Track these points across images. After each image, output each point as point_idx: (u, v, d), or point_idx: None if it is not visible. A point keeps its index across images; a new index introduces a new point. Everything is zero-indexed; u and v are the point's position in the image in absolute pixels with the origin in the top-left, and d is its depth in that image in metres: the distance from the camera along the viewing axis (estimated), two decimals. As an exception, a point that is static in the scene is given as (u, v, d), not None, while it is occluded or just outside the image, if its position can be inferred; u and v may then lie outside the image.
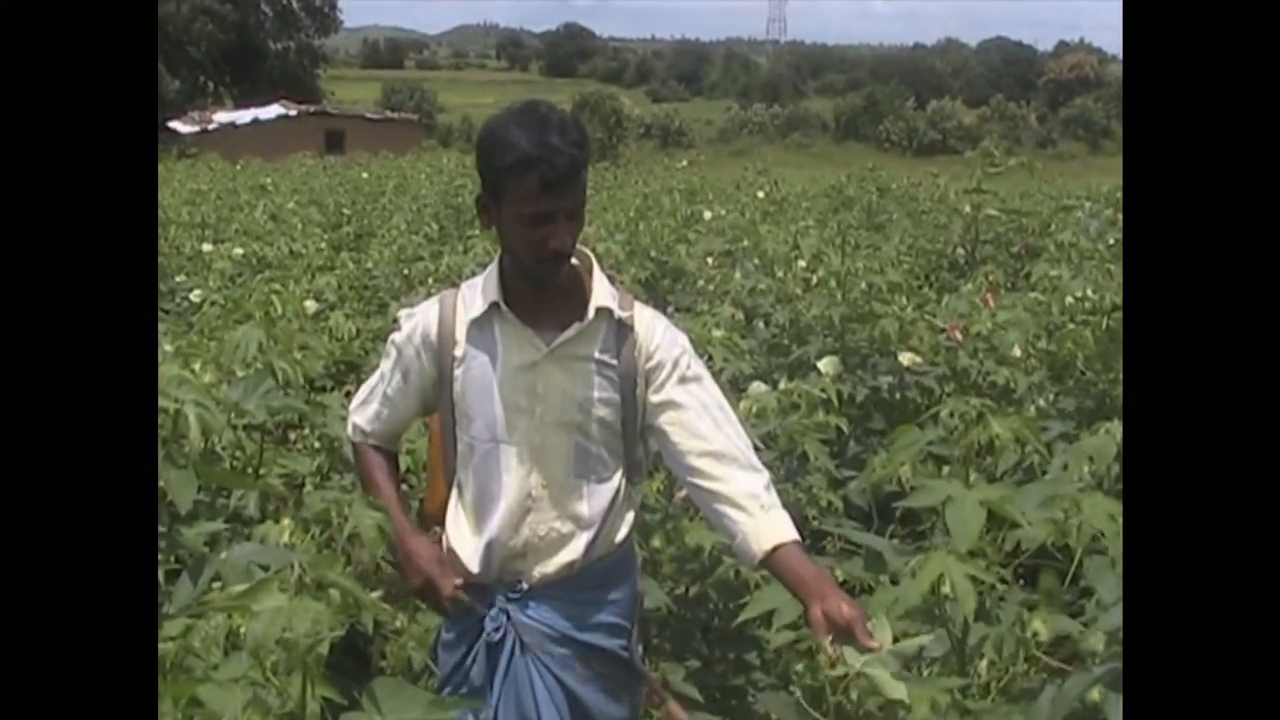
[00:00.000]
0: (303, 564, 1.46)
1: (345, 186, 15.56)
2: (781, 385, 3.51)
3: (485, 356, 2.29)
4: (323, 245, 8.61)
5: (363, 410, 2.46)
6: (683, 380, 2.29)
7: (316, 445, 3.52)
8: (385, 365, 2.42)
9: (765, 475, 2.26)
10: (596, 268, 2.34)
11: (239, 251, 7.63)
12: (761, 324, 5.43)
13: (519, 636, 2.32)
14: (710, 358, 4.07)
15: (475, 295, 2.31)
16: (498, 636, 2.31)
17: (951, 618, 2.03)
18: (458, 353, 2.30)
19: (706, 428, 2.26)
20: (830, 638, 1.91)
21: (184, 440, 2.04)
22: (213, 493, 2.78)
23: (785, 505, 2.22)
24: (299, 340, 3.44)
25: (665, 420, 2.29)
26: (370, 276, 7.28)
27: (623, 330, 2.31)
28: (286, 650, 1.39)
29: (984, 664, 2.02)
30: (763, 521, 2.18)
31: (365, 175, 17.93)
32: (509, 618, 2.33)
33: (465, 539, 2.36)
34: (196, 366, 2.79)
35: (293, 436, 3.96)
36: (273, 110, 42.36)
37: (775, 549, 2.15)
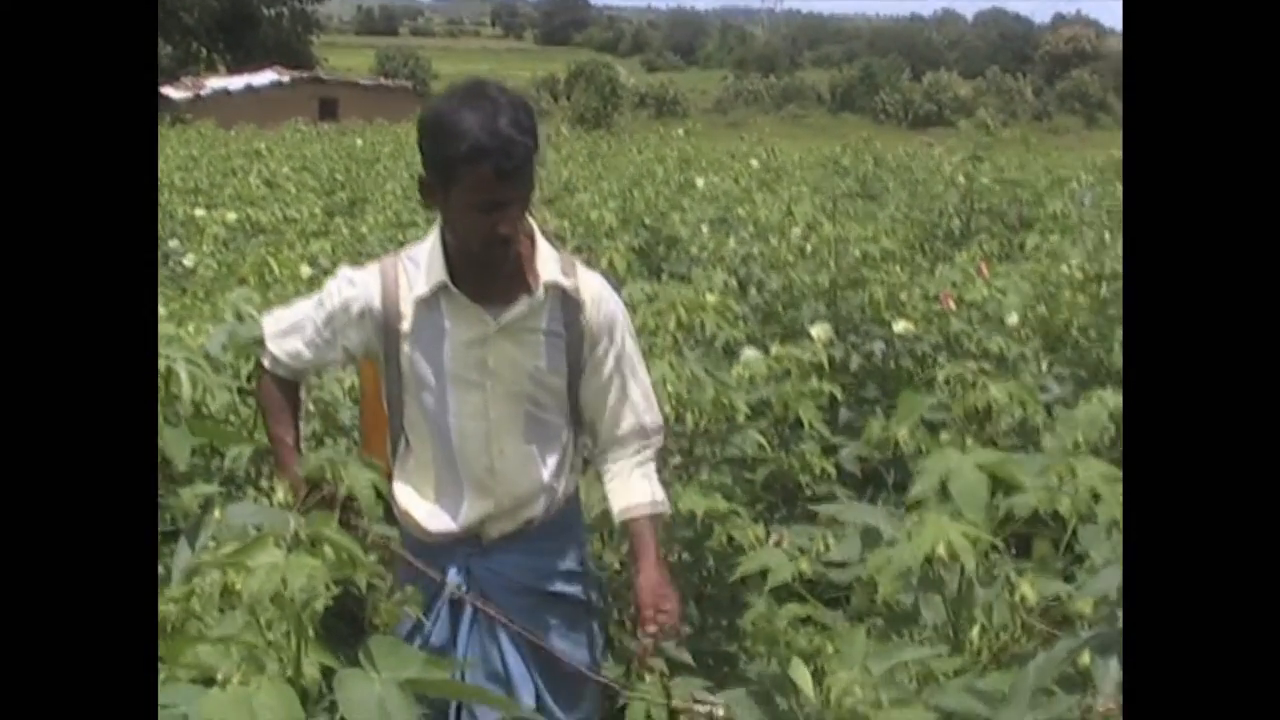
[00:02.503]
0: (298, 520, 1.46)
1: (339, 153, 15.48)
2: (774, 351, 3.51)
3: (433, 332, 2.27)
4: (317, 211, 8.57)
5: (281, 342, 2.39)
6: (616, 357, 2.39)
7: (310, 409, 3.51)
8: (317, 314, 2.35)
9: (655, 438, 2.47)
10: (538, 234, 2.33)
11: (232, 217, 7.59)
12: (754, 290, 5.41)
13: (481, 590, 2.34)
14: (703, 324, 4.06)
15: (418, 271, 2.27)
16: (460, 592, 2.33)
17: (946, 584, 2.03)
18: (404, 327, 2.28)
19: (624, 411, 2.41)
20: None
21: (177, 400, 2.03)
22: (206, 456, 2.77)
23: (785, 475, 2.24)
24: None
25: (592, 396, 2.40)
26: (364, 242, 7.25)
27: (569, 300, 2.32)
28: (281, 607, 1.39)
29: (975, 630, 2.01)
30: (621, 487, 2.41)
31: (359, 142, 17.84)
32: (470, 572, 2.35)
33: (418, 500, 2.38)
34: (191, 328, 2.78)
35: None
36: (266, 77, 41.97)
37: (626, 514, 2.40)
